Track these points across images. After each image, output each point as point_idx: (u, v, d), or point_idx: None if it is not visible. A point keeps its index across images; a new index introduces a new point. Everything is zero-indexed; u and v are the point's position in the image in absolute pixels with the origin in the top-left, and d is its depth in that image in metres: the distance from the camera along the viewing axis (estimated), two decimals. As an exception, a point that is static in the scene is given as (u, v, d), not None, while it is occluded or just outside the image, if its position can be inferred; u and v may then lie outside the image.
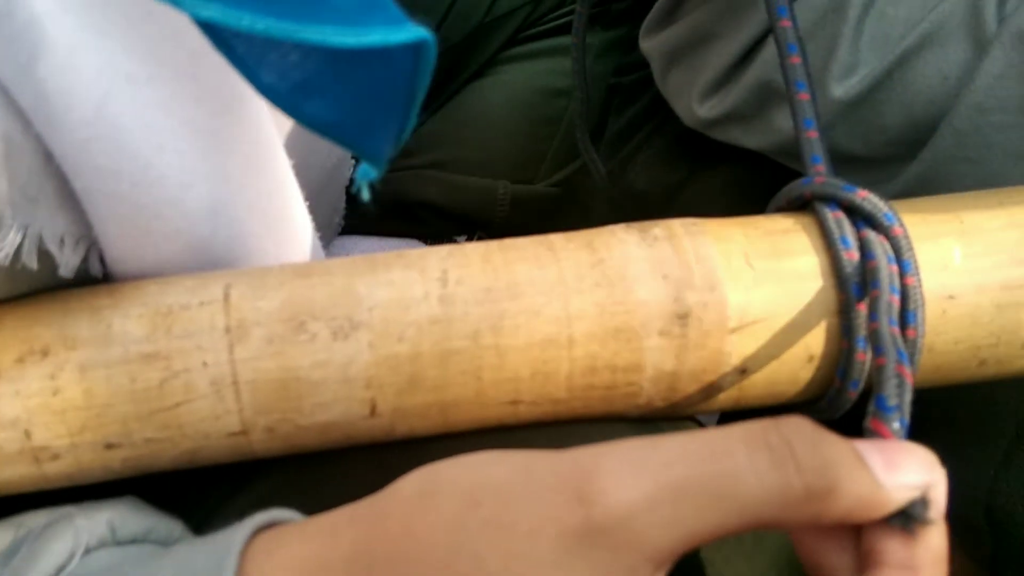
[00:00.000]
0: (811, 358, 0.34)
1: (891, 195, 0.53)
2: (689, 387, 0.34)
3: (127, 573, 0.30)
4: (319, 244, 0.44)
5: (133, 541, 0.33)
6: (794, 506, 0.25)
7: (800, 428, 0.26)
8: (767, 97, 0.56)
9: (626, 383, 0.34)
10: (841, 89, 0.50)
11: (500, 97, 0.74)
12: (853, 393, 0.34)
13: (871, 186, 0.54)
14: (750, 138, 0.59)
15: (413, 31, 0.22)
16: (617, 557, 0.25)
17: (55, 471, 0.33)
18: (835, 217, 0.34)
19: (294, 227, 0.41)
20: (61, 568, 0.30)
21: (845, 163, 0.55)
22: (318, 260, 0.36)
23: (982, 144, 0.47)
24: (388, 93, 0.25)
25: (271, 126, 0.37)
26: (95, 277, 0.34)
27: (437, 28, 0.71)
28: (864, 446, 0.26)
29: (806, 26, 0.52)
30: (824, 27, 0.51)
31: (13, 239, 0.30)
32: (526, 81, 0.74)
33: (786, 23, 0.40)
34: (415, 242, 0.75)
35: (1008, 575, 0.56)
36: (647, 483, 0.25)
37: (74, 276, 0.33)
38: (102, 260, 0.34)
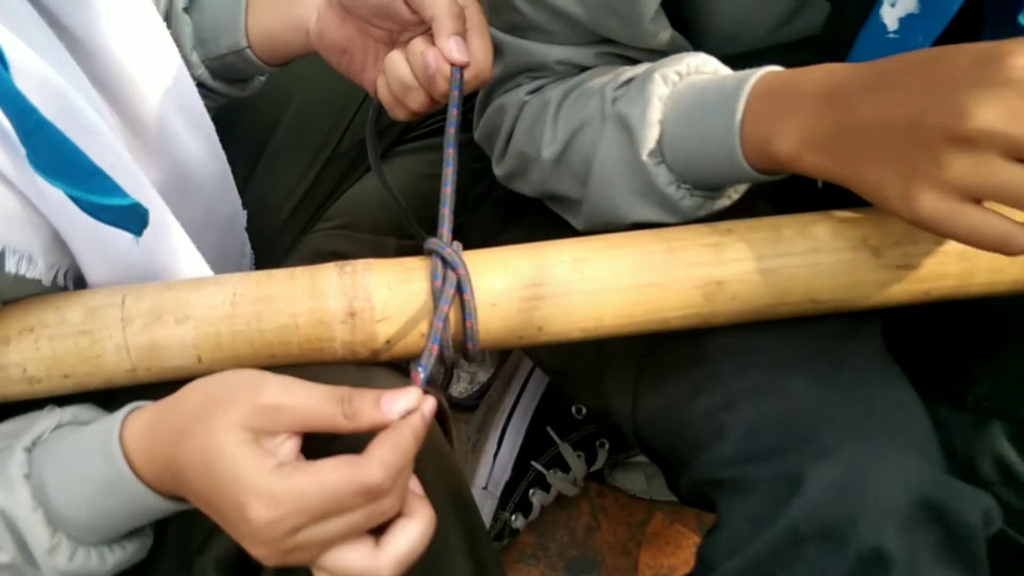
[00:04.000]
0: (422, 335, 0.63)
1: (583, 220, 0.77)
2: (363, 351, 0.63)
3: (73, 432, 0.60)
4: (205, 264, 0.74)
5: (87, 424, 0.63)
6: (345, 426, 0.54)
7: (355, 393, 0.54)
8: (524, 162, 0.83)
9: (329, 348, 0.63)
10: (547, 152, 0.76)
11: (391, 179, 1.04)
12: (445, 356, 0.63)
13: (575, 216, 0.80)
14: (524, 188, 0.86)
15: (131, 199, 0.54)
16: (269, 423, 0.53)
17: (40, 389, 0.63)
18: (436, 262, 0.62)
19: (188, 255, 0.72)
20: (43, 432, 0.60)
21: (563, 200, 0.80)
22: (177, 280, 0.66)
23: (609, 187, 0.72)
24: (131, 214, 0.56)
25: (165, 213, 0.68)
26: (59, 285, 0.64)
27: (344, 132, 1.01)
28: (386, 395, 0.55)
29: (532, 120, 0.78)
30: (540, 117, 0.77)
31: (45, 273, 0.61)
32: (409, 168, 1.04)
33: (451, 151, 0.68)
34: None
35: (674, 489, 0.78)
36: (288, 396, 0.54)
37: (50, 285, 0.63)
38: (66, 277, 0.65)
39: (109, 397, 0.65)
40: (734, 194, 0.70)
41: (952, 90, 0.50)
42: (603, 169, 0.72)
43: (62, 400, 0.64)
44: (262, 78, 0.89)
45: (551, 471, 1.12)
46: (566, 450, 1.11)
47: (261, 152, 1.00)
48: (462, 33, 0.69)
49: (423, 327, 0.63)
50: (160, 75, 0.73)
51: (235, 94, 0.86)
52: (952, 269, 0.63)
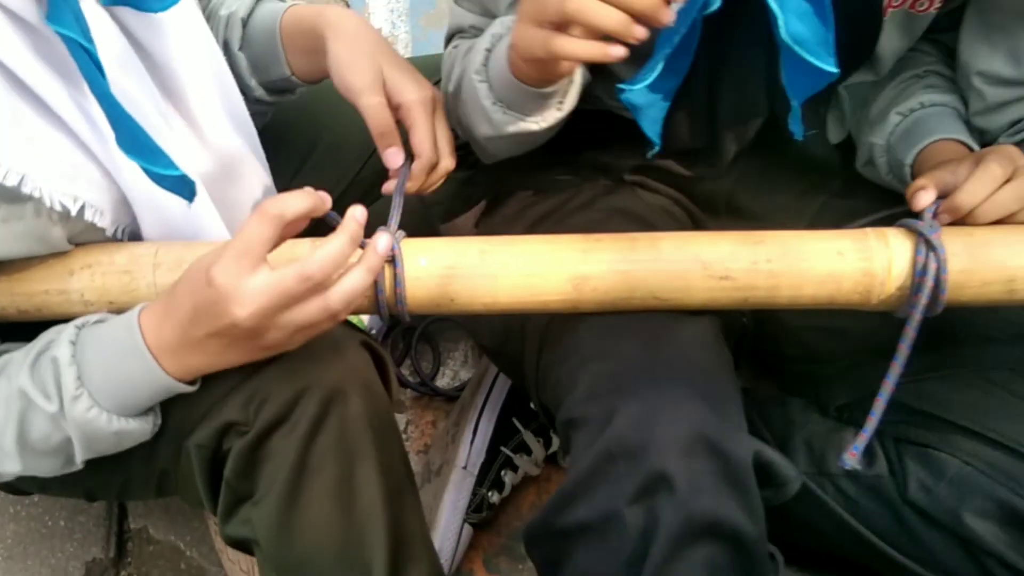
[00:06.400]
0: (367, 297, 0.84)
1: (472, 143, 1.01)
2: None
3: (102, 325, 0.82)
4: (228, 233, 0.96)
5: None
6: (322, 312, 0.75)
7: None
8: (449, 98, 1.02)
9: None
10: (451, 87, 0.98)
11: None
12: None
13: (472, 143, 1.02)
14: (455, 124, 1.05)
15: (181, 171, 0.77)
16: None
17: (92, 311, 0.86)
18: (387, 245, 0.84)
19: (217, 226, 0.94)
20: (90, 319, 0.81)
21: (468, 131, 1.01)
22: (197, 240, 0.88)
23: (467, 105, 0.94)
24: (182, 183, 0.79)
25: (204, 194, 0.90)
26: (118, 239, 0.87)
27: (364, 164, 1.24)
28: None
29: (449, 66, 1.00)
30: (453, 64, 0.98)
31: (110, 225, 0.84)
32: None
33: (399, 199, 0.90)
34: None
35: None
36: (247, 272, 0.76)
37: (111, 236, 0.86)
38: (124, 233, 0.88)
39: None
40: (542, 122, 0.91)
41: None
42: (465, 93, 0.95)
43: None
44: (303, 88, 1.12)
45: (518, 455, 1.31)
46: (528, 436, 1.31)
47: (300, 168, 1.23)
48: (394, 143, 0.93)
49: (367, 289, 0.84)
50: (214, 89, 0.95)
51: (285, 100, 1.12)
52: (762, 283, 0.81)
